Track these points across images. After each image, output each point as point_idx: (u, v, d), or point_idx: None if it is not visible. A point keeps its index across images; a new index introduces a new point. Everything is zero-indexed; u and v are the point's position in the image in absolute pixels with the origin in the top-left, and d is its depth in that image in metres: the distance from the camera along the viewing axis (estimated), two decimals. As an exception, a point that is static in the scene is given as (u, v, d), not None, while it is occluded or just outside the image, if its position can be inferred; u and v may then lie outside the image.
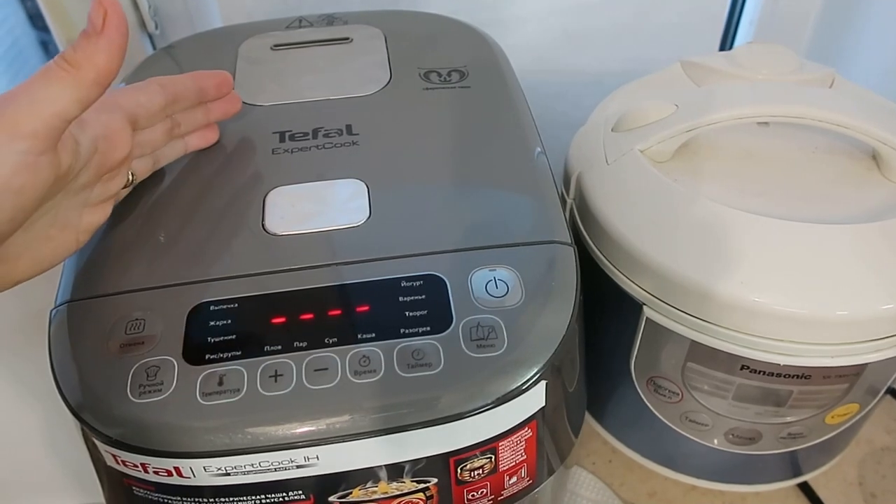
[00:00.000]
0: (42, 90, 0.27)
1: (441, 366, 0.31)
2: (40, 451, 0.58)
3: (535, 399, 0.33)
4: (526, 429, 0.34)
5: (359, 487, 0.33)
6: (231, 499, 0.32)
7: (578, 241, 0.45)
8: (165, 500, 0.33)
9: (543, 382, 0.33)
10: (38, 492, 0.56)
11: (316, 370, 0.31)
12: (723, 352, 0.41)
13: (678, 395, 0.45)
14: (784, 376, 0.41)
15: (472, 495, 0.35)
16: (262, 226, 0.36)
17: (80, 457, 0.34)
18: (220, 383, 0.31)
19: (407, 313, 0.33)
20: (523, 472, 0.36)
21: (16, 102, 0.27)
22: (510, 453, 0.34)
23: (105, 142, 0.33)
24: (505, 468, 0.35)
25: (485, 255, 0.35)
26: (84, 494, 0.55)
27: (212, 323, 0.32)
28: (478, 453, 0.33)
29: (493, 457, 0.34)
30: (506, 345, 0.32)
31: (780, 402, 0.43)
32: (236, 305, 0.33)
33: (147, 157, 0.38)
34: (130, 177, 0.37)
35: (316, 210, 0.37)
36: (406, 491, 0.34)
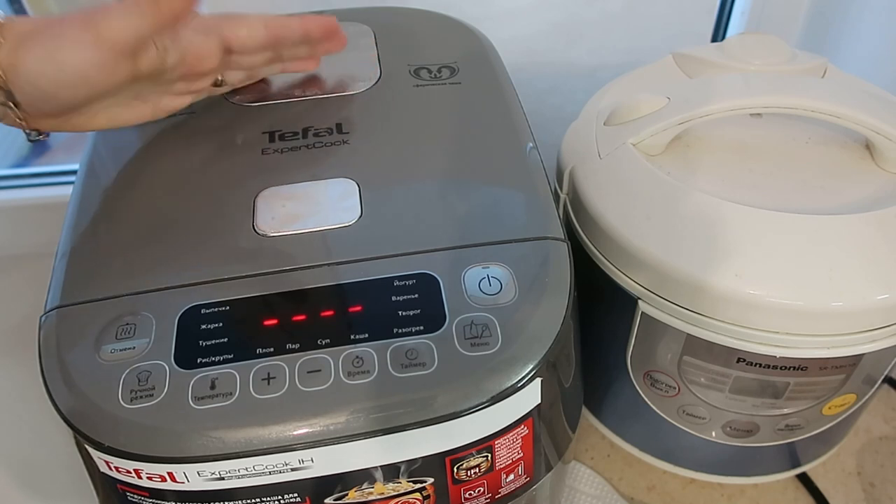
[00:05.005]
0: (127, 15, 0.33)
1: (435, 365, 0.31)
2: (36, 456, 0.58)
3: (530, 396, 0.33)
4: (522, 426, 0.34)
5: (355, 489, 0.33)
6: (226, 503, 0.32)
7: (572, 235, 0.45)
8: (160, 506, 0.32)
9: (539, 380, 0.32)
10: (34, 497, 0.56)
11: (309, 372, 0.31)
12: (719, 345, 0.41)
13: (675, 388, 0.45)
14: (780, 368, 0.41)
15: (469, 494, 0.35)
16: (253, 227, 0.36)
17: (73, 461, 0.34)
18: (213, 387, 0.30)
19: (400, 313, 0.32)
20: (520, 470, 0.36)
21: (107, 17, 0.33)
22: (507, 451, 0.34)
23: (193, 57, 0.37)
24: (502, 466, 0.35)
25: (478, 252, 0.35)
26: (80, 499, 0.55)
27: (203, 326, 0.32)
28: (474, 452, 0.33)
29: (490, 455, 0.34)
30: (500, 343, 0.32)
31: (777, 394, 0.43)
32: (227, 308, 0.33)
33: (242, 71, 0.42)
34: (219, 79, 0.41)
35: (307, 210, 0.37)
36: (402, 491, 0.34)
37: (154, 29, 0.34)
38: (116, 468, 0.31)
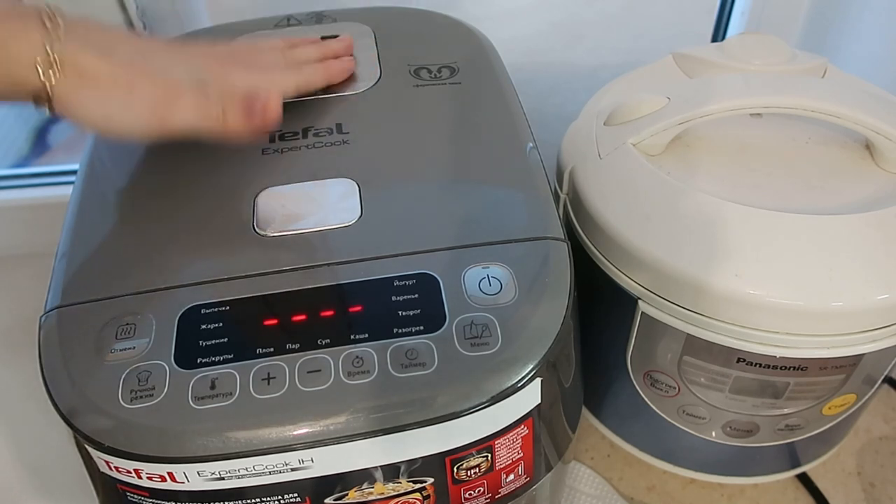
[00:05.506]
0: (200, 119, 0.36)
1: (435, 365, 0.31)
2: (36, 456, 0.58)
3: (530, 396, 0.33)
4: (522, 426, 0.34)
5: (355, 489, 0.33)
6: (226, 503, 0.32)
7: (572, 235, 0.45)
8: (160, 506, 0.33)
9: (539, 380, 0.32)
10: (35, 496, 0.56)
11: (309, 372, 0.31)
12: (719, 345, 0.41)
13: (675, 388, 0.45)
14: (780, 368, 0.41)
15: (469, 494, 0.35)
16: (254, 227, 0.36)
17: (73, 461, 0.34)
18: (213, 387, 0.31)
19: (400, 313, 0.32)
20: (520, 470, 0.36)
21: (181, 112, 0.36)
22: (507, 451, 0.34)
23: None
24: (502, 466, 0.35)
25: (478, 252, 0.35)
26: (80, 499, 0.55)
27: (203, 326, 0.32)
28: (474, 452, 0.33)
29: (490, 455, 0.34)
30: (500, 343, 0.32)
31: (777, 394, 0.43)
32: (227, 308, 0.33)
33: None
34: None
35: (307, 210, 0.37)
36: (402, 491, 0.34)
37: (218, 135, 0.37)
38: (116, 468, 0.31)
